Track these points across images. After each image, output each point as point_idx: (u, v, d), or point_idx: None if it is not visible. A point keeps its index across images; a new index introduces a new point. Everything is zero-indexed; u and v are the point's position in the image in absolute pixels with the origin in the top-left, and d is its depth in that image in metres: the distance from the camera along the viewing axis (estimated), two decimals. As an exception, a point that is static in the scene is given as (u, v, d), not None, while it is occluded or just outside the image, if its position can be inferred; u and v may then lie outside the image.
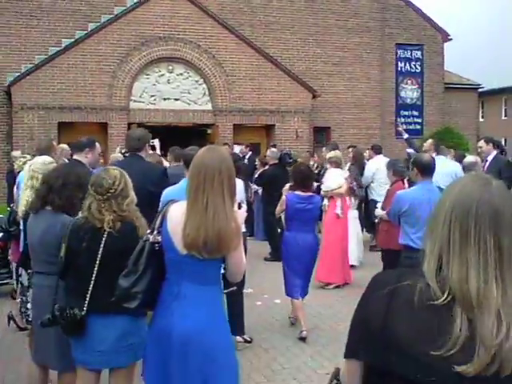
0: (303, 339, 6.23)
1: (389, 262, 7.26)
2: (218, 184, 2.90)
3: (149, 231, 3.03)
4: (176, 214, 2.93)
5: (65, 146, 7.62)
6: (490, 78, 29.82)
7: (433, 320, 1.49)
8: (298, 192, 6.49)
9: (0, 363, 5.57)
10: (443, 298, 1.49)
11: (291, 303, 6.69)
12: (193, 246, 2.87)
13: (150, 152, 8.91)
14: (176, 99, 17.51)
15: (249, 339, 6.12)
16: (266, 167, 11.70)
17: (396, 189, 7.07)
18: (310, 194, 6.57)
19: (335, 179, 8.91)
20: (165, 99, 17.45)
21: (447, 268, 1.51)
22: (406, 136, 11.36)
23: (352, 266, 9.35)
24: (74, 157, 5.52)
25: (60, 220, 3.87)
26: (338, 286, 8.65)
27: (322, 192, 8.81)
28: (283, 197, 6.75)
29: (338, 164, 9.20)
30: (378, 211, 7.54)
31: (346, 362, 1.72)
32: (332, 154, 9.42)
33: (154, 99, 17.41)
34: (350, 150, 12.29)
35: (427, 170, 5.59)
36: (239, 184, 6.00)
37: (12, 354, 5.76)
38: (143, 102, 17.38)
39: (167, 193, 4.50)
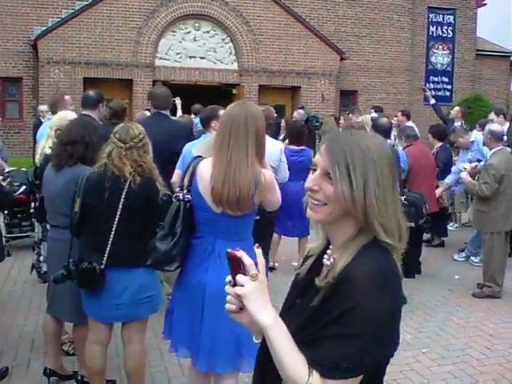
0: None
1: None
2: (243, 138, 2.85)
3: (178, 189, 3.01)
4: (205, 173, 2.90)
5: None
6: (524, 45, 28.94)
7: None
8: (291, 146, 7.10)
9: (20, 314, 5.69)
10: None
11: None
12: (219, 201, 2.86)
13: (180, 114, 8.94)
14: (202, 57, 17.35)
15: None
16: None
17: (409, 150, 7.19)
18: (302, 147, 7.16)
19: None
20: (190, 57, 17.29)
21: None
22: (432, 101, 11.13)
23: None
24: (84, 112, 5.42)
25: (85, 170, 3.73)
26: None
27: None
28: None
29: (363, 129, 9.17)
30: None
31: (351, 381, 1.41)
32: (361, 118, 9.33)
33: (180, 57, 17.27)
34: (373, 110, 12.05)
35: (380, 131, 6.16)
36: (278, 146, 6.02)
37: (32, 305, 5.87)
38: (169, 60, 17.25)
39: (187, 148, 4.46)
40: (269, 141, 6.05)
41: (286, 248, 7.60)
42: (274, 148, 5.94)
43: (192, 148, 4.15)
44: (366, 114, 10.05)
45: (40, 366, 4.55)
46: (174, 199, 3.02)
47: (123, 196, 3.43)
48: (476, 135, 8.30)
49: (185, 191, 2.96)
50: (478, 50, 21.60)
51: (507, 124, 8.44)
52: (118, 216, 3.44)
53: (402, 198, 6.15)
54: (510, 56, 22.62)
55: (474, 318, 6.02)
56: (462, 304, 6.41)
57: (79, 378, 4.13)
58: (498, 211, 6.55)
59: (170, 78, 17.10)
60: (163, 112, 5.56)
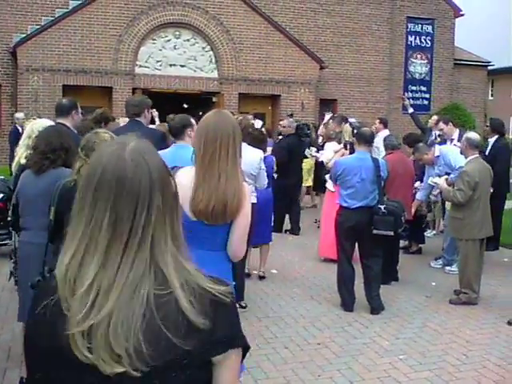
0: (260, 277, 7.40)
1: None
2: (232, 150, 2.88)
3: None
4: (185, 181, 2.91)
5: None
6: (500, 56, 29.46)
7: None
8: None
9: (-4, 322, 5.64)
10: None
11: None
12: (203, 213, 2.88)
13: (158, 123, 8.93)
14: (182, 66, 17.36)
15: (244, 305, 6.17)
16: (279, 137, 11.28)
17: (389, 159, 7.30)
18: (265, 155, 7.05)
19: (326, 152, 9.21)
20: (171, 65, 17.30)
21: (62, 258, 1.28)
22: (411, 110, 11.25)
23: None
24: (59, 120, 5.40)
25: (66, 173, 3.86)
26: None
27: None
28: None
29: (332, 138, 9.62)
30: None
31: None
32: (343, 127, 9.49)
33: (160, 65, 17.27)
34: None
35: (363, 139, 6.44)
36: (258, 154, 6.05)
37: (8, 313, 5.81)
38: (148, 68, 17.24)
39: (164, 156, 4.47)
40: (249, 149, 6.11)
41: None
42: (254, 156, 5.97)
43: (164, 155, 4.16)
44: (347, 124, 10.15)
45: (16, 375, 4.50)
46: None
47: None
48: (441, 149, 8.35)
49: None
50: (455, 60, 21.88)
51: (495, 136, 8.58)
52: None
53: (382, 207, 6.24)
54: (487, 65, 22.95)
55: (450, 324, 6.08)
56: (438, 311, 6.48)
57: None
58: (472, 218, 6.64)
59: (149, 85, 17.08)
60: (138, 119, 5.55)
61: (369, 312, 6.33)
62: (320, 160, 9.67)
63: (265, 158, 7.01)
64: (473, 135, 7.10)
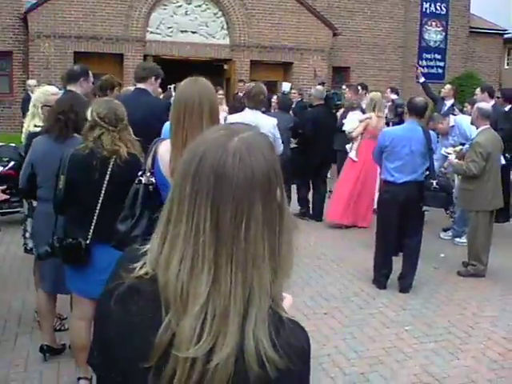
0: None
1: None
2: (197, 117, 2.84)
3: (140, 173, 3.01)
4: (165, 153, 2.90)
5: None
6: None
7: (141, 320, 1.10)
8: None
9: (8, 289, 5.73)
10: (150, 288, 1.11)
11: None
12: None
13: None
14: (193, 32, 17.20)
15: None
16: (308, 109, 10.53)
17: None
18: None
19: (351, 122, 8.95)
20: (182, 32, 17.15)
21: (161, 249, 1.11)
22: (422, 80, 11.06)
23: None
24: (68, 87, 5.38)
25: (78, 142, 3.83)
26: (349, 227, 8.70)
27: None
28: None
29: (354, 107, 9.29)
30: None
31: None
32: (369, 96, 9.34)
33: (171, 31, 17.12)
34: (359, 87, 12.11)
35: (414, 110, 6.06)
36: (270, 122, 6.02)
37: (20, 281, 5.91)
38: (160, 34, 17.10)
39: (166, 128, 4.41)
40: (261, 117, 6.08)
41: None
42: (266, 125, 5.94)
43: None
44: (367, 94, 10.06)
45: (27, 340, 4.62)
46: (135, 183, 3.01)
47: (109, 172, 3.49)
48: (456, 119, 8.29)
49: (148, 174, 2.96)
50: (471, 28, 21.52)
51: (492, 102, 8.42)
52: (103, 192, 3.48)
53: (434, 182, 6.04)
54: (503, 34, 22.54)
55: (457, 296, 6.11)
56: (446, 282, 6.50)
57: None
58: (483, 190, 6.61)
59: (160, 52, 16.97)
60: (143, 87, 5.50)
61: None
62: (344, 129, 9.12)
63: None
64: (484, 105, 7.03)
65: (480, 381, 4.33)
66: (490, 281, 6.60)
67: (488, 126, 6.77)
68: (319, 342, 4.87)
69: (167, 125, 4.50)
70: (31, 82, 13.62)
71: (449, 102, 9.86)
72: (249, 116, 6.12)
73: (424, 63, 20.27)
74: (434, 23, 20.96)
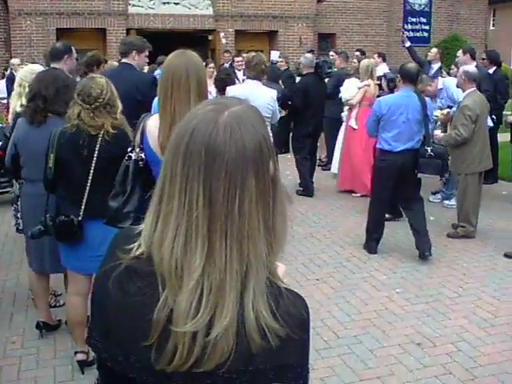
0: None
1: None
2: (184, 90, 2.83)
3: (130, 149, 3.01)
4: (153, 128, 2.90)
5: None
6: (503, -18, 28.65)
7: (140, 300, 1.10)
8: (218, 97, 6.99)
9: (1, 269, 5.75)
10: (147, 268, 1.10)
11: None
12: None
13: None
14: (176, 3, 16.96)
15: None
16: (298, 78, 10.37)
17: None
18: None
19: (348, 89, 8.81)
20: (164, 3, 16.90)
21: (155, 227, 1.11)
22: (408, 44, 11.01)
23: None
24: (52, 65, 5.34)
25: (57, 122, 3.80)
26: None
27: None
28: None
29: (351, 74, 9.21)
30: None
31: None
32: (362, 63, 9.20)
33: (153, 3, 16.87)
34: (358, 53, 12.05)
35: (408, 77, 6.00)
36: (270, 94, 6.00)
37: (13, 260, 5.93)
38: (142, 7, 16.85)
39: (155, 103, 4.40)
40: (261, 89, 6.06)
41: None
42: (266, 98, 5.96)
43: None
44: (363, 61, 9.92)
45: (23, 318, 4.66)
46: (125, 159, 3.01)
47: (97, 148, 3.50)
48: (444, 81, 8.29)
49: (137, 150, 2.96)
50: (455, -11, 21.35)
51: (474, 63, 8.39)
52: (92, 168, 3.50)
53: (429, 149, 6.01)
54: (488, -6, 22.39)
55: (447, 257, 6.19)
56: (436, 244, 6.55)
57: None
58: (471, 152, 6.65)
59: (144, 25, 16.75)
60: (126, 61, 5.48)
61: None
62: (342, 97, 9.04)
63: None
64: (470, 67, 7.04)
65: (471, 339, 4.42)
66: (479, 242, 6.68)
67: (474, 88, 6.78)
68: (313, 308, 4.90)
69: (156, 100, 4.49)
70: (14, 60, 13.43)
71: (436, 66, 9.82)
72: (249, 87, 6.11)
73: (409, 27, 20.08)
74: (418, -14, 20.78)
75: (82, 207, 3.58)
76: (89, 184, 3.55)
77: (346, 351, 4.26)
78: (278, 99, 8.06)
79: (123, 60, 5.49)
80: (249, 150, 1.06)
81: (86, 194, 3.56)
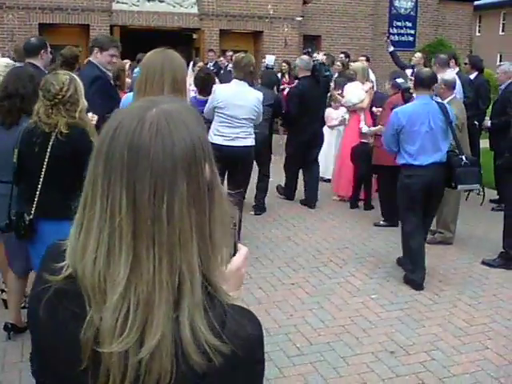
0: None
1: (380, 176, 7.39)
2: (158, 87, 2.79)
3: None
4: None
5: None
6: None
7: (71, 323, 0.98)
8: (198, 96, 6.83)
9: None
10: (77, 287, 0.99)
11: None
12: None
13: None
14: (160, 1, 16.78)
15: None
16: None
17: (394, 100, 7.09)
18: (208, 97, 6.40)
19: (355, 92, 8.43)
20: (149, 1, 16.74)
21: (78, 237, 0.99)
22: (391, 49, 10.97)
23: None
24: (28, 60, 5.22)
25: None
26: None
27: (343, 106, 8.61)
28: None
29: (353, 78, 8.65)
30: (365, 128, 7.43)
31: None
32: (353, 66, 9.04)
33: (138, 0, 16.71)
34: (342, 55, 12.04)
35: (424, 83, 5.55)
36: (256, 96, 5.94)
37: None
38: (126, 4, 16.67)
39: (126, 99, 4.28)
40: (248, 91, 5.98)
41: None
42: (252, 98, 5.96)
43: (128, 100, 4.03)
44: (358, 62, 9.82)
45: None
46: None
47: (49, 147, 3.45)
48: None
49: None
50: (441, -6, 21.43)
51: (448, 70, 8.27)
52: (44, 167, 3.43)
53: (463, 157, 5.57)
54: (472, 0, 22.50)
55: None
56: (414, 250, 6.52)
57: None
58: None
59: (128, 22, 16.58)
60: (90, 59, 5.41)
61: (345, 253, 6.37)
62: (345, 101, 8.55)
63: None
64: (448, 76, 6.99)
65: (445, 348, 4.36)
66: (457, 248, 6.65)
67: (454, 95, 6.74)
68: (286, 313, 4.87)
69: (126, 96, 4.38)
70: (-8, 54, 13.24)
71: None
72: (236, 87, 6.03)
73: (395, 31, 20.19)
74: (404, -10, 20.84)
75: (34, 205, 3.53)
76: (40, 182, 3.49)
77: (319, 358, 4.18)
78: (271, 105, 7.61)
79: (90, 58, 5.43)
80: (178, 150, 0.95)
81: (37, 192, 3.50)
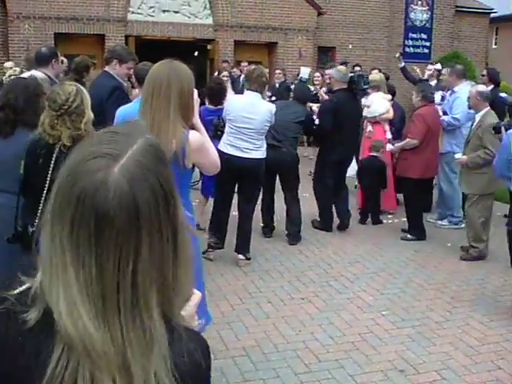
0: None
1: (406, 189, 7.28)
2: (164, 98, 2.76)
3: None
4: None
5: None
6: (504, 3, 28.67)
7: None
8: (209, 106, 6.84)
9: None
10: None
11: None
12: None
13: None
14: (175, 12, 16.88)
15: (249, 257, 6.29)
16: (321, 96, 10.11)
17: (423, 112, 7.04)
18: (219, 107, 6.60)
19: (382, 102, 8.41)
20: (164, 11, 16.82)
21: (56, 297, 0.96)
22: (402, 64, 10.87)
23: None
24: (39, 70, 5.22)
25: (23, 136, 3.72)
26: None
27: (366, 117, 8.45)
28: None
29: (379, 88, 8.55)
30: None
31: None
32: (372, 76, 8.98)
33: (153, 11, 16.79)
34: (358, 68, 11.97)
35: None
36: (268, 107, 5.92)
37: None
38: (141, 14, 16.77)
39: (120, 112, 4.21)
40: (261, 103, 5.96)
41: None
42: (264, 111, 5.96)
43: (124, 112, 4.00)
44: (375, 74, 9.75)
45: None
46: None
47: (53, 159, 3.41)
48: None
49: None
50: (457, 7, 21.31)
51: (461, 82, 8.16)
52: (48, 179, 3.41)
53: None
54: (489, 13, 22.38)
55: (436, 279, 6.05)
56: (426, 265, 6.43)
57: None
58: (490, 172, 6.28)
59: (142, 32, 16.67)
60: (106, 70, 5.42)
61: (356, 267, 6.30)
62: (369, 111, 8.37)
63: (220, 110, 6.48)
64: (482, 87, 6.93)
65: (455, 367, 4.28)
66: (470, 264, 6.54)
67: (488, 107, 6.65)
68: (295, 328, 4.80)
69: (121, 109, 4.30)
70: (8, 64, 13.35)
71: (433, 83, 9.78)
72: (249, 98, 6.02)
73: (410, 43, 20.12)
74: (419, 2, 20.72)
75: (37, 216, 3.49)
76: (44, 194, 3.45)
77: (327, 376, 4.11)
78: (301, 123, 7.09)
79: (105, 68, 5.42)
80: (143, 210, 0.95)
81: (41, 204, 3.47)
